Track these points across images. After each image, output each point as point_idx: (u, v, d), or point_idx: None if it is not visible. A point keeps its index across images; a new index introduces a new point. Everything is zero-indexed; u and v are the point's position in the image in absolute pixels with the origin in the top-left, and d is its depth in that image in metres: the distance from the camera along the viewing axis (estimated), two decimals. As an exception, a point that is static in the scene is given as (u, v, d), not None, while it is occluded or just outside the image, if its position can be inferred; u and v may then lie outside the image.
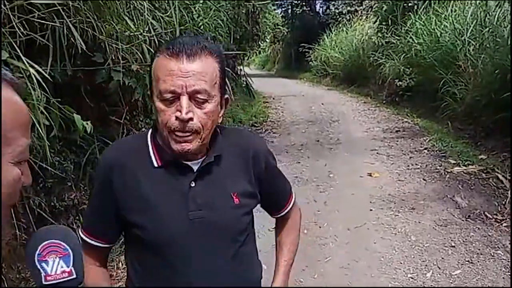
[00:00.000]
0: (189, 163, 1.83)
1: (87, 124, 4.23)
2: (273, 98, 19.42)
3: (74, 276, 1.26)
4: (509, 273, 4.92)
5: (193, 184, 1.82)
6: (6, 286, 4.10)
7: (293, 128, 13.11)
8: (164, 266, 1.84)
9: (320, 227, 6.22)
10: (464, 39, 11.53)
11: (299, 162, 9.34)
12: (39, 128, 3.83)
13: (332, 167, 8.92)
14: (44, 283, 1.23)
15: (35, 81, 3.74)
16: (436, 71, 12.22)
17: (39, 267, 1.23)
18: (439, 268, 5.09)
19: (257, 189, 1.96)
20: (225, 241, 1.87)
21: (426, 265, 5.16)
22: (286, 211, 2.20)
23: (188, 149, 1.74)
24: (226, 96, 1.85)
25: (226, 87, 1.85)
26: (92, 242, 1.92)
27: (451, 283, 4.83)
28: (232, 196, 1.86)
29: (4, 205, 1.03)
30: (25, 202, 4.44)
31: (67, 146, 5.18)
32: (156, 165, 1.82)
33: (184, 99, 1.68)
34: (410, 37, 14.91)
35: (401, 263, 5.23)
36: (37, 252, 1.24)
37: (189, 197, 1.80)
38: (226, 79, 1.85)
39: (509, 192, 6.86)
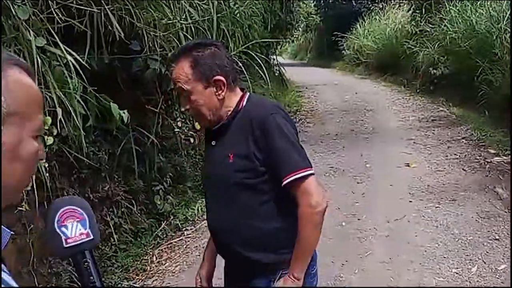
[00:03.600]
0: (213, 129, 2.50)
1: (124, 113, 4.18)
2: (306, 87, 19.30)
3: (92, 237, 1.40)
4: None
5: (213, 143, 2.51)
6: (36, 281, 4.04)
7: (327, 118, 13.02)
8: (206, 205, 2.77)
9: (358, 219, 6.15)
10: (501, 27, 11.26)
11: (334, 153, 9.27)
12: (75, 118, 3.83)
13: (368, 157, 8.81)
14: (65, 246, 1.37)
15: (72, 68, 3.76)
16: (471, 59, 11.97)
17: (59, 232, 1.38)
18: (484, 263, 4.96)
19: (254, 152, 2.34)
20: (224, 190, 2.46)
21: (470, 259, 5.04)
22: (284, 183, 2.31)
23: (199, 128, 2.59)
24: (216, 78, 2.34)
25: (209, 71, 2.34)
26: None
27: (497, 278, 4.70)
28: (229, 155, 2.39)
29: (25, 176, 1.15)
30: (59, 193, 4.43)
31: (102, 136, 5.21)
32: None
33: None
34: (445, 25, 14.61)
35: (444, 257, 5.11)
36: (56, 218, 1.38)
37: (210, 154, 2.60)
38: (204, 66, 2.34)
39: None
